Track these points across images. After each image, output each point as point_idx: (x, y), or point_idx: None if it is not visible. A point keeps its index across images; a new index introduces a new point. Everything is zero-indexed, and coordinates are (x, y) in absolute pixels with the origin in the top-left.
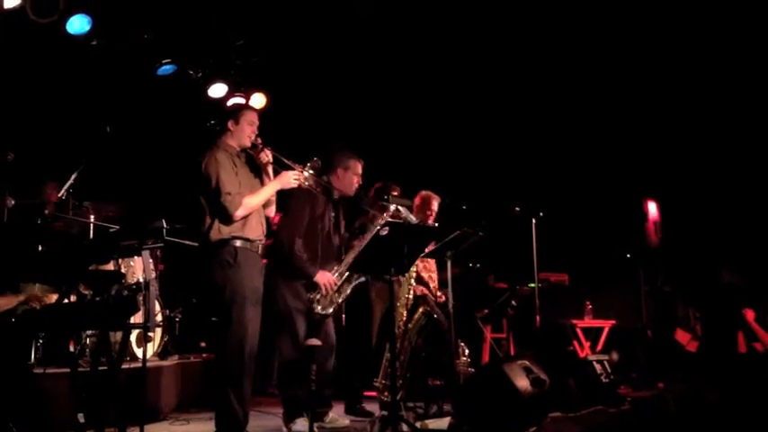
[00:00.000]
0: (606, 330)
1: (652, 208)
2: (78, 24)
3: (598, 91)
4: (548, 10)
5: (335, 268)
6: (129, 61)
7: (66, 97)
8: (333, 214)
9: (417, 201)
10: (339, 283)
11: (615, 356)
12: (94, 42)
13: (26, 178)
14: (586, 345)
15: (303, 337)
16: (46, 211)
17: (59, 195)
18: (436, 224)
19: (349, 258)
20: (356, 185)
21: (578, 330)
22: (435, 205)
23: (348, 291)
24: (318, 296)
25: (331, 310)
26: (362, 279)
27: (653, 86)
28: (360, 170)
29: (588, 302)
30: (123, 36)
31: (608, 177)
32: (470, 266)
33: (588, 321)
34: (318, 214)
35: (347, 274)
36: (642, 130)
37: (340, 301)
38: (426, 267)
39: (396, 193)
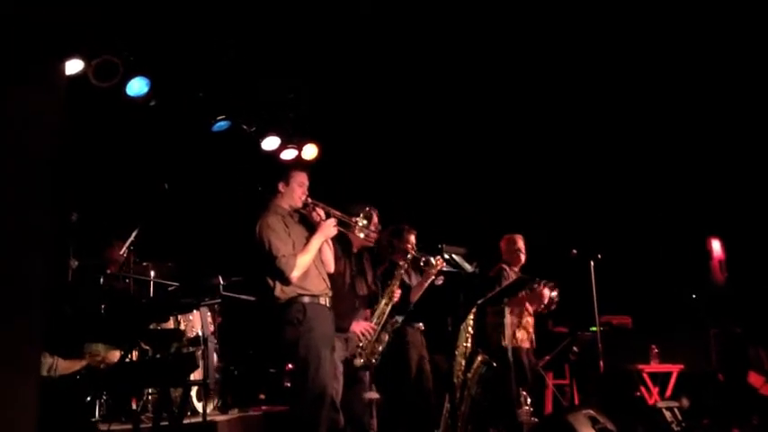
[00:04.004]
0: (674, 375)
1: (716, 246)
2: (137, 87)
3: (658, 128)
4: (603, 38)
5: (371, 318)
6: (186, 120)
7: (125, 157)
8: (355, 267)
9: (503, 245)
10: (378, 331)
11: (686, 403)
12: (153, 103)
13: (88, 238)
14: (654, 391)
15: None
16: (108, 271)
17: (121, 253)
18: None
19: (381, 306)
20: (374, 236)
21: (645, 376)
22: (521, 243)
23: (387, 338)
24: (359, 349)
25: (374, 360)
26: (398, 324)
27: (713, 121)
28: (375, 220)
29: (654, 346)
30: (180, 96)
31: (669, 216)
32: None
33: (655, 366)
34: (338, 271)
35: (384, 321)
36: (703, 167)
37: (381, 349)
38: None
39: (412, 237)
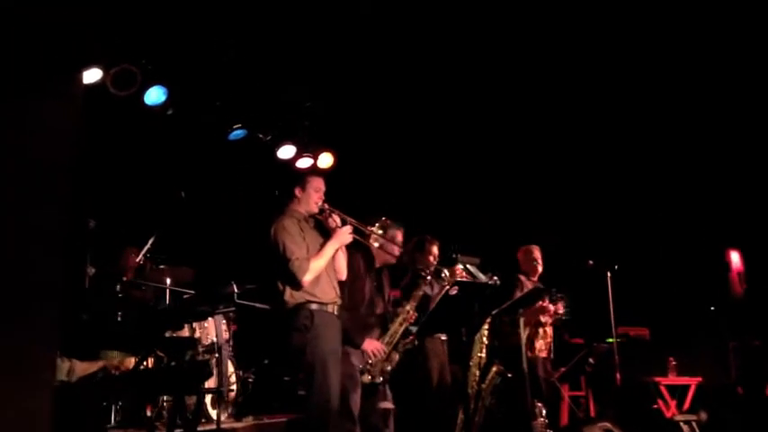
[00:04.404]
0: (693, 388)
1: (735, 257)
2: (155, 95)
3: (677, 139)
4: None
5: (383, 337)
6: (202, 128)
7: (142, 165)
8: (375, 282)
9: (520, 256)
10: (388, 351)
11: (704, 416)
12: (170, 112)
13: (105, 245)
14: (672, 404)
15: (357, 404)
16: (125, 278)
17: (137, 260)
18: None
19: (395, 326)
20: (398, 253)
21: (662, 388)
22: (538, 254)
23: (397, 358)
24: (368, 365)
25: (381, 379)
26: (410, 346)
27: (733, 133)
28: (401, 238)
29: (671, 358)
30: (197, 104)
31: (688, 227)
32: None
33: (672, 378)
34: (358, 285)
35: (395, 341)
36: (722, 178)
37: (389, 369)
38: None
39: (435, 248)
